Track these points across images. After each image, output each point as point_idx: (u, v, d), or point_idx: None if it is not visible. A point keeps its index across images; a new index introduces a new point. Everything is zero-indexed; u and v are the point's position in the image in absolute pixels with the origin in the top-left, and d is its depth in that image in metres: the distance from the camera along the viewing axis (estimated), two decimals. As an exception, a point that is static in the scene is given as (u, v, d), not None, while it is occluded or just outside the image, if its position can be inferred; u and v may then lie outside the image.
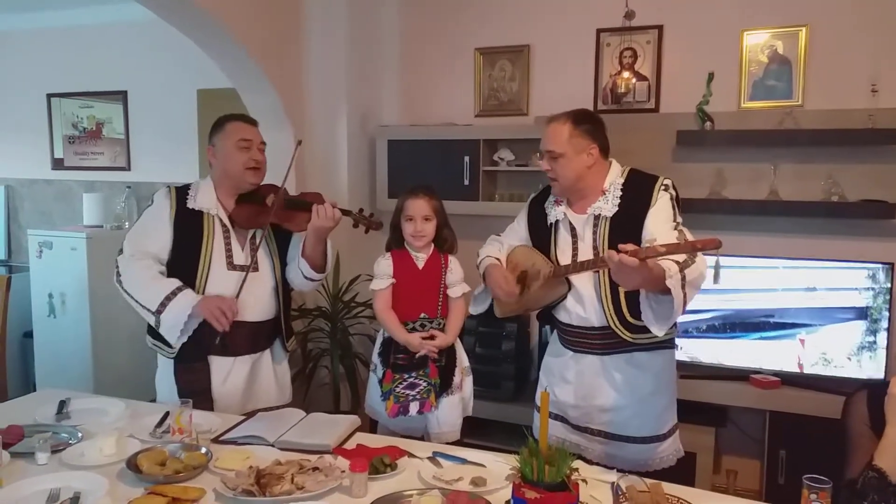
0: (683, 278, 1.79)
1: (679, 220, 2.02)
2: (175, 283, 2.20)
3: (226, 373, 2.28)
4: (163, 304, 2.15)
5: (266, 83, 3.46)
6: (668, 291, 1.79)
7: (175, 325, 2.17)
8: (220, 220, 2.29)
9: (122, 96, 4.69)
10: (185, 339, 2.21)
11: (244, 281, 2.22)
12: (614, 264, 1.71)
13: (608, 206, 2.08)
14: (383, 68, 3.95)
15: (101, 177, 4.81)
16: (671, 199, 2.05)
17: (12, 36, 4.92)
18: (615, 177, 2.12)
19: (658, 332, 1.93)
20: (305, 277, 2.34)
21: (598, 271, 2.06)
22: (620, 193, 2.08)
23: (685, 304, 1.83)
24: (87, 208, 4.44)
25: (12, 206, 5.15)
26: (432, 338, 2.29)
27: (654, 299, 1.88)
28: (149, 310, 2.18)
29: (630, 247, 1.69)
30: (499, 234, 2.39)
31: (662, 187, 2.06)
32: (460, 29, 3.79)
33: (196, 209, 2.27)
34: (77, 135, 4.89)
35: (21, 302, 4.37)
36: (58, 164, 4.97)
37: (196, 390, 2.17)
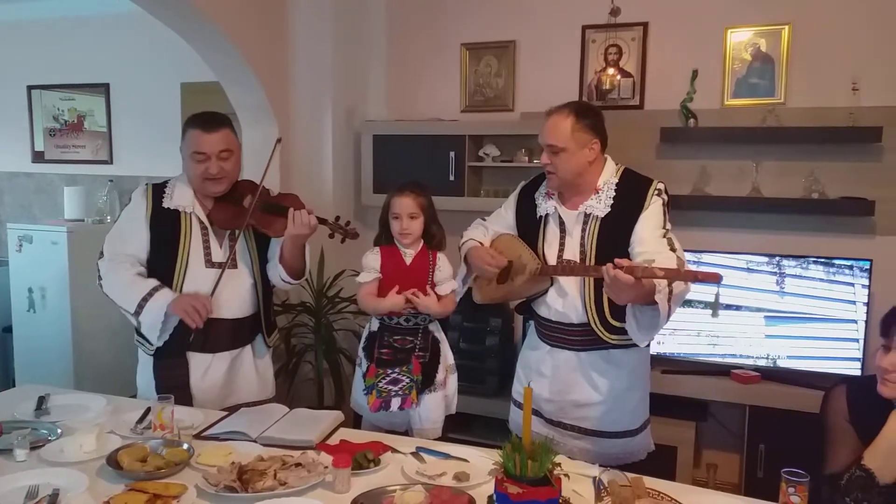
0: (670, 292, 1.78)
1: (668, 227, 2.01)
2: (151, 283, 2.19)
3: (204, 368, 2.27)
4: (140, 306, 2.16)
5: (251, 77, 3.43)
6: (652, 302, 1.78)
7: (154, 325, 2.17)
8: (198, 218, 2.27)
9: (104, 89, 4.64)
10: (166, 337, 2.21)
11: (220, 278, 2.21)
12: (609, 278, 1.70)
13: (601, 205, 2.06)
14: (369, 63, 3.93)
15: (83, 170, 4.76)
16: (663, 204, 2.04)
17: (-8, 26, 4.85)
18: (609, 175, 2.10)
19: (641, 342, 1.93)
20: (283, 280, 2.34)
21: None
22: (614, 194, 2.06)
23: (669, 316, 1.82)
24: (68, 202, 4.40)
25: (-8, 200, 5.09)
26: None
27: (637, 309, 1.88)
28: (129, 312, 2.19)
29: (626, 262, 1.68)
30: (484, 219, 2.38)
31: (656, 192, 2.04)
32: (446, 24, 3.78)
33: (172, 208, 2.25)
34: (58, 127, 4.83)
35: (0, 296, 4.32)
36: (38, 157, 4.90)
37: (174, 386, 2.15)
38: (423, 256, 2.35)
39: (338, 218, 2.31)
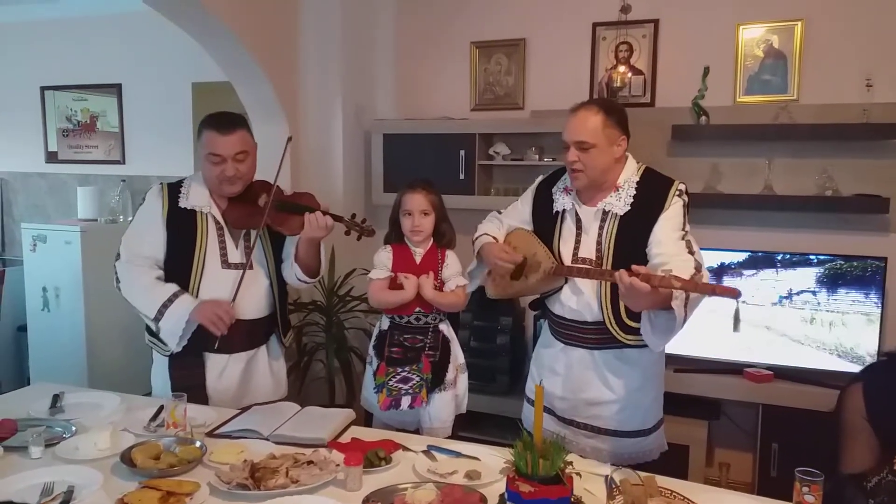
0: (687, 297, 1.76)
1: (687, 228, 1.99)
2: (171, 289, 2.18)
3: (220, 369, 2.28)
4: (160, 312, 2.15)
5: (261, 76, 3.45)
6: (668, 307, 1.76)
7: (174, 331, 2.17)
8: (214, 218, 2.27)
9: (116, 89, 4.67)
10: (185, 342, 2.20)
11: (241, 280, 2.20)
12: (625, 286, 1.68)
13: (620, 203, 2.03)
14: (379, 62, 3.94)
15: (96, 170, 4.79)
16: (683, 205, 2.02)
17: (5, 28, 4.89)
18: (630, 174, 2.07)
19: (655, 347, 1.91)
20: (298, 279, 2.34)
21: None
22: (634, 192, 2.04)
23: (685, 322, 1.81)
24: (82, 202, 4.43)
25: (6, 200, 5.13)
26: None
27: (653, 313, 1.86)
28: (148, 317, 2.19)
29: (642, 269, 1.66)
30: (499, 212, 2.36)
31: (677, 193, 2.02)
32: (456, 22, 3.78)
33: (189, 208, 2.25)
34: (71, 128, 4.87)
35: (15, 296, 4.38)
36: (52, 157, 4.95)
37: (191, 386, 2.16)
38: (432, 255, 2.35)
39: (353, 215, 2.30)
